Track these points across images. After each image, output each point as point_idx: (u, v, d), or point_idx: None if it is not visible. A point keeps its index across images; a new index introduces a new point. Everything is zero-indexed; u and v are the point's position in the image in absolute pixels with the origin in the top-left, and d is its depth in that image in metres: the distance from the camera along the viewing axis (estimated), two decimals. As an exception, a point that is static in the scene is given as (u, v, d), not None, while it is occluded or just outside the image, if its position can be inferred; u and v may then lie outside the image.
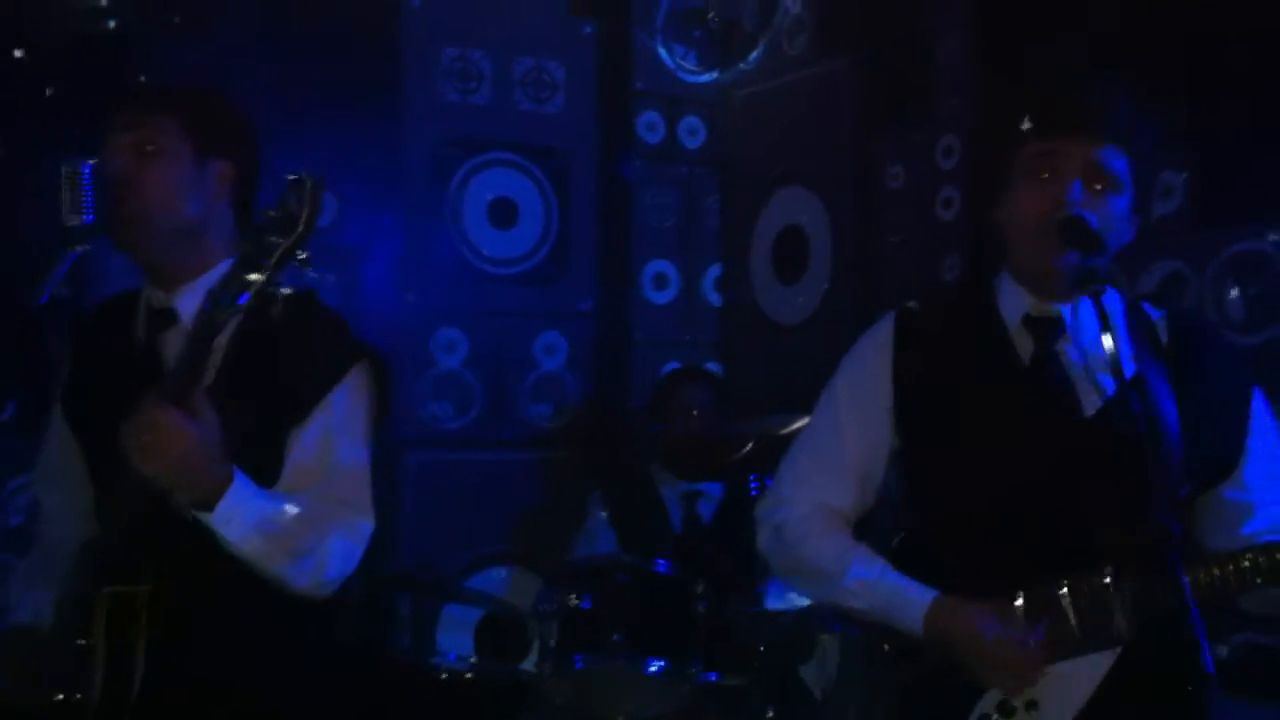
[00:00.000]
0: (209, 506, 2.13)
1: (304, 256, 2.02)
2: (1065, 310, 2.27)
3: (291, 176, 2.03)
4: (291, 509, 2.22)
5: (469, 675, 3.73)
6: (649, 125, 5.02)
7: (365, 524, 2.32)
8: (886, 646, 2.30)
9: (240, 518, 2.15)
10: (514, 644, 4.07)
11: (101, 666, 2.16)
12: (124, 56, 3.96)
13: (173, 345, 2.32)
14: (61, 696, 2.20)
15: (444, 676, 3.68)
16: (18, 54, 3.89)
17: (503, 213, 4.76)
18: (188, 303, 2.33)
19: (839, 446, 2.38)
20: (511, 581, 4.57)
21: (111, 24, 3.97)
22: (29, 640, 2.33)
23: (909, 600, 2.25)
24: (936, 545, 2.30)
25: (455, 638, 4.19)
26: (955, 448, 2.28)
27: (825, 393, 2.44)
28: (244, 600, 2.25)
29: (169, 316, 2.35)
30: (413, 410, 4.55)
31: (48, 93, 3.88)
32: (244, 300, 2.03)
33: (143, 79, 3.69)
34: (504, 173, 4.76)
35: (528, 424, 4.73)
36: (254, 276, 2.03)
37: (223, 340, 2.16)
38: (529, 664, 3.86)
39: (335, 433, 2.30)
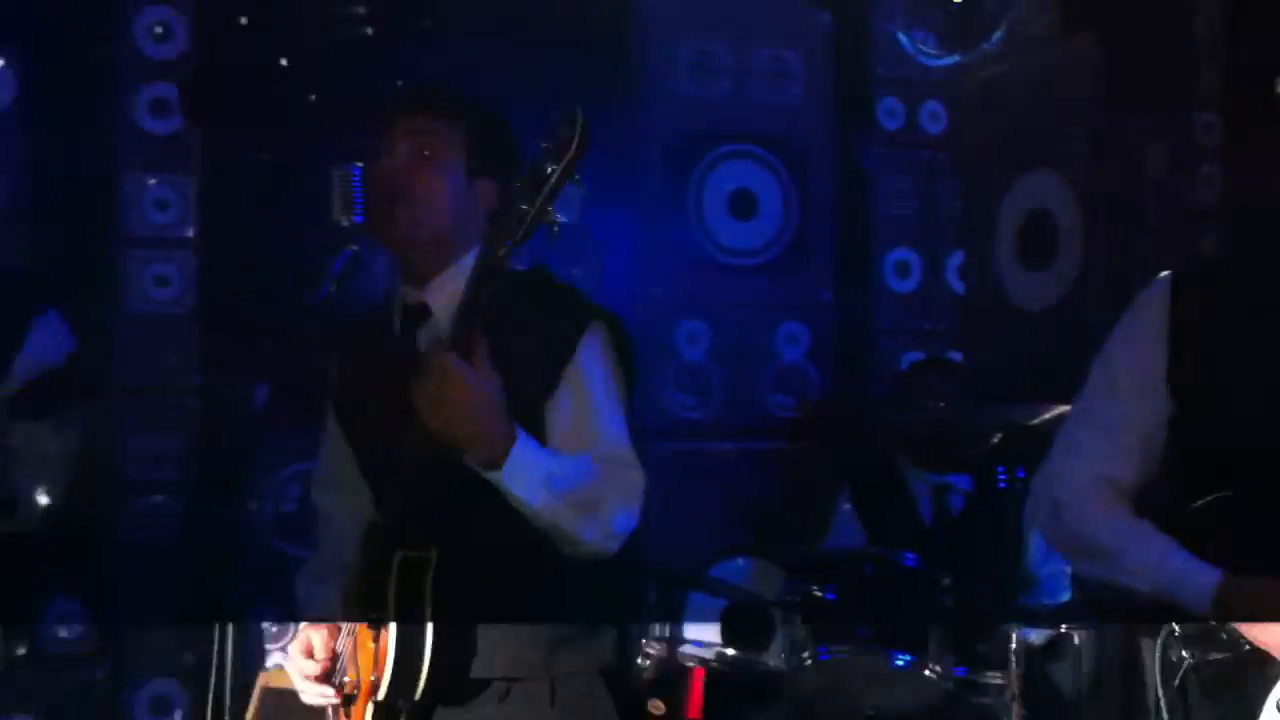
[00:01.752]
0: (497, 464, 2.16)
1: (579, 179, 2.06)
2: None
3: (559, 113, 2.08)
4: (572, 463, 2.25)
5: (714, 665, 3.74)
6: (889, 111, 4.95)
7: (638, 479, 2.33)
8: (1177, 630, 2.21)
9: (528, 473, 2.18)
10: (758, 635, 4.07)
11: (394, 639, 2.21)
12: (379, 61, 4.11)
13: (427, 339, 2.37)
14: (352, 678, 2.30)
15: (689, 666, 3.70)
16: (283, 62, 4.10)
17: (742, 204, 4.76)
18: (438, 296, 2.38)
19: (1115, 416, 2.28)
20: (753, 572, 4.57)
21: (368, 30, 4.13)
22: (319, 630, 2.42)
23: (1195, 580, 2.15)
24: (1210, 519, 2.20)
25: (699, 627, 4.21)
26: (1233, 416, 2.18)
27: (1097, 361, 2.34)
28: (525, 567, 2.28)
29: (422, 310, 2.41)
30: (655, 401, 4.59)
31: (310, 99, 4.07)
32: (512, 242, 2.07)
33: (399, 84, 3.83)
34: (743, 164, 4.77)
35: (769, 414, 4.73)
36: (526, 206, 2.07)
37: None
38: (773, 655, 3.86)
39: (588, 394, 2.32)
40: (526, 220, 2.07)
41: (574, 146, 2.06)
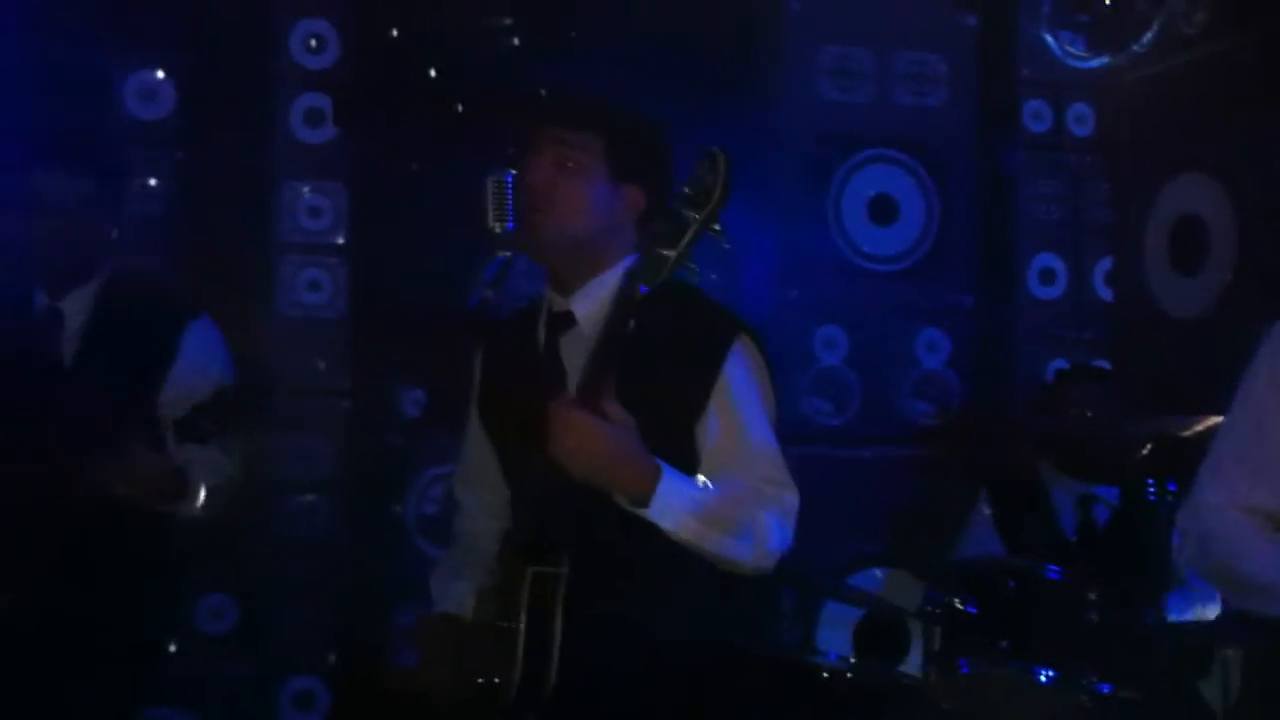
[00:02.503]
0: (644, 502, 2.19)
1: (718, 229, 2.06)
2: None
3: (703, 151, 2.08)
4: (721, 491, 2.26)
5: (849, 675, 3.72)
6: (1035, 114, 4.87)
7: (791, 498, 2.34)
8: None
9: (675, 508, 2.20)
10: (894, 645, 4.04)
11: (523, 647, 2.25)
12: (525, 71, 4.17)
13: (571, 347, 2.40)
14: (482, 681, 2.31)
15: (825, 675, 3.69)
16: (432, 73, 4.18)
17: (883, 209, 4.73)
18: (584, 305, 2.41)
19: (1263, 442, 2.23)
20: (889, 581, 4.54)
21: (515, 41, 4.19)
22: (454, 629, 2.46)
23: None
24: None
25: (835, 636, 4.20)
26: None
27: (1243, 384, 2.28)
28: (659, 585, 2.30)
29: (567, 319, 2.43)
30: (793, 407, 4.58)
31: (458, 108, 4.14)
32: (644, 289, 2.08)
33: (542, 92, 3.88)
34: (884, 169, 4.73)
35: (908, 422, 4.68)
36: (668, 252, 2.07)
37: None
38: (909, 666, 3.83)
39: (736, 411, 2.33)
40: (666, 266, 2.08)
41: (716, 196, 2.06)
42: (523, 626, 2.25)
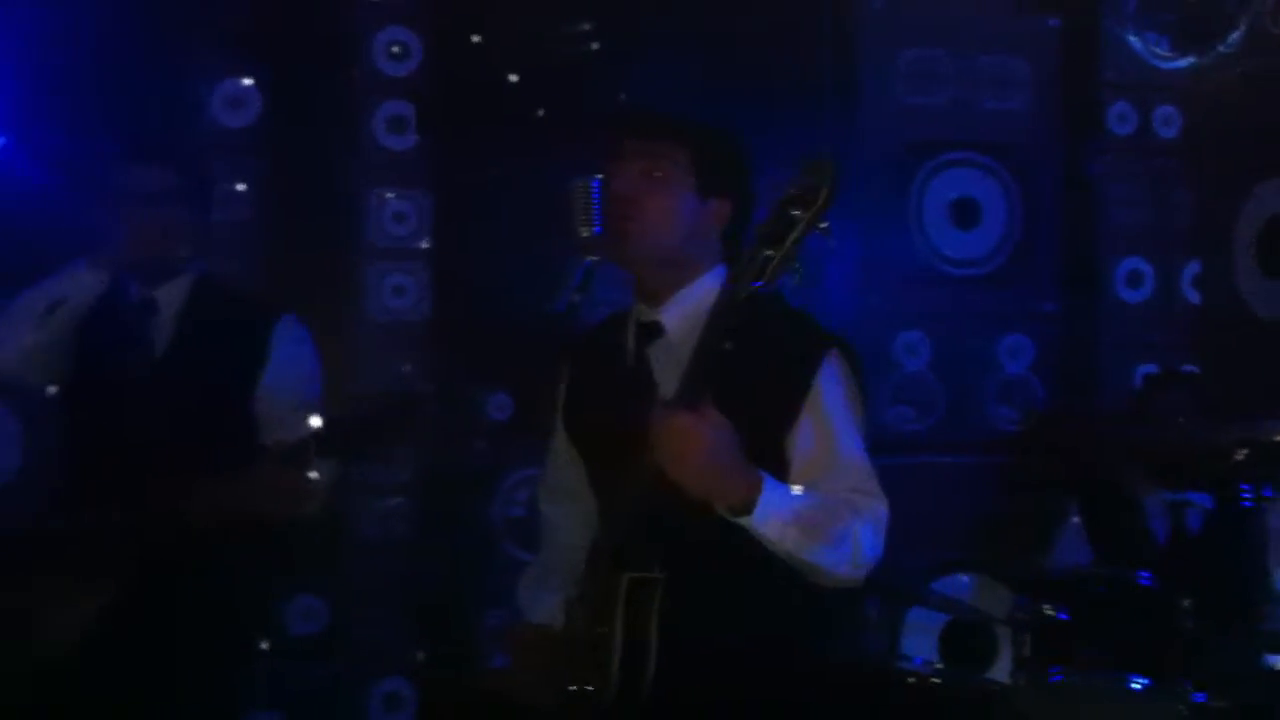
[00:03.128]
0: (747, 510, 2.18)
1: (825, 225, 2.05)
2: None
3: (809, 155, 2.08)
4: (818, 500, 2.25)
5: (935, 681, 3.69)
6: (1120, 116, 4.81)
7: (882, 509, 2.33)
8: None
9: (777, 516, 2.19)
10: (981, 652, 4.00)
11: (619, 653, 2.25)
12: (606, 76, 4.19)
13: (661, 356, 2.40)
14: (576, 688, 2.32)
15: (911, 681, 3.66)
16: (512, 79, 4.20)
17: (965, 213, 4.69)
18: (673, 314, 2.41)
19: None
20: (974, 588, 4.49)
21: (595, 45, 4.21)
22: (542, 639, 2.47)
23: None
24: None
25: (920, 642, 4.16)
26: None
27: None
28: (750, 592, 2.30)
29: (655, 329, 2.43)
30: (874, 413, 4.54)
31: (539, 114, 4.16)
32: (757, 285, 2.07)
33: (622, 96, 3.89)
34: (966, 173, 4.70)
35: (992, 428, 4.64)
36: (771, 252, 2.06)
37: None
38: (997, 673, 3.78)
39: (828, 422, 2.32)
40: (770, 266, 2.06)
41: (823, 197, 2.05)
42: (619, 633, 2.25)
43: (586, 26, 4.27)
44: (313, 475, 2.84)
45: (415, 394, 3.03)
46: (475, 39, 4.30)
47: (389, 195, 4.25)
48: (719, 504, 2.19)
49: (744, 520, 2.18)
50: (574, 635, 2.38)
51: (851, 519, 2.26)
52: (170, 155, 3.10)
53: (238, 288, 3.33)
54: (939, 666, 3.89)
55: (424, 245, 4.27)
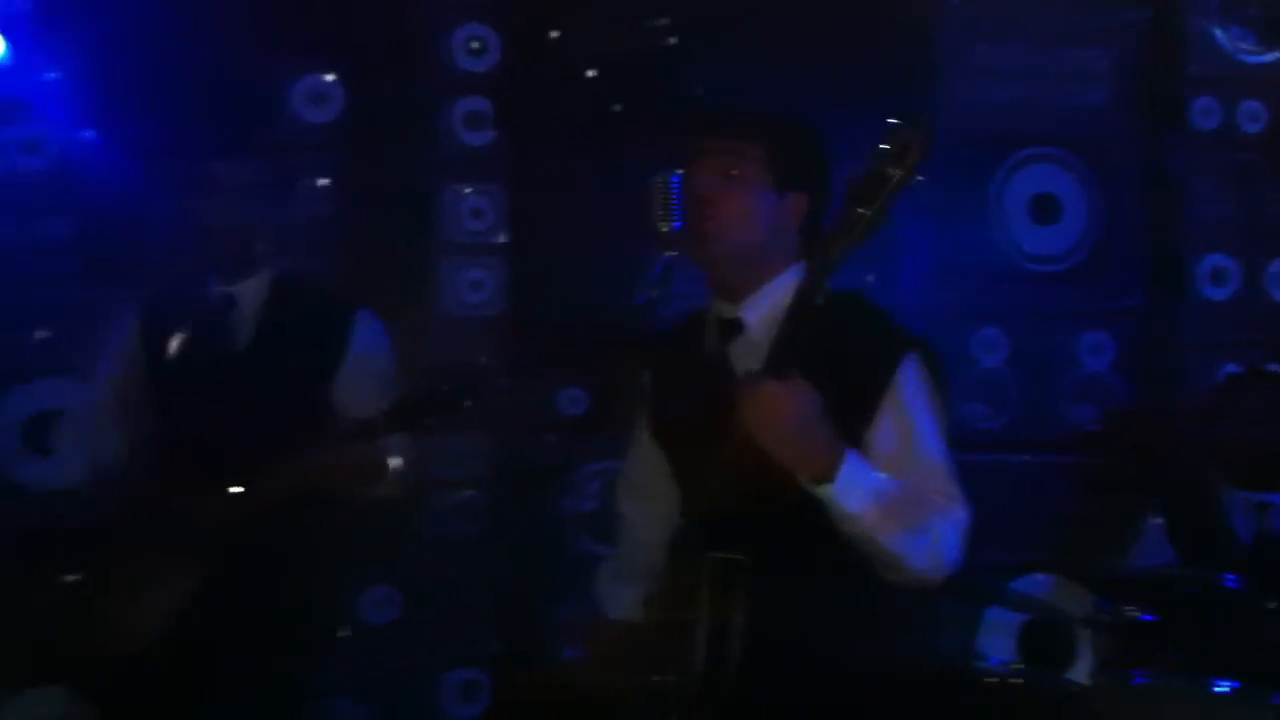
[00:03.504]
0: (829, 478, 2.17)
1: (920, 178, 2.04)
2: None
3: (901, 114, 2.06)
4: (901, 485, 2.24)
5: (1013, 681, 3.65)
6: (1204, 111, 4.73)
7: (963, 513, 2.31)
8: None
9: (859, 488, 2.18)
10: (1059, 652, 3.96)
11: (704, 638, 2.24)
12: (684, 71, 4.19)
13: (742, 353, 2.41)
14: (657, 679, 2.32)
15: (988, 681, 3.62)
16: (590, 74, 4.22)
17: (1045, 208, 4.64)
18: (754, 311, 2.42)
19: None
20: (1052, 588, 4.45)
21: (672, 40, 4.21)
22: (621, 631, 2.50)
23: None
24: None
25: (997, 642, 4.13)
26: None
27: None
28: (832, 583, 2.30)
29: (736, 326, 2.44)
30: (950, 410, 4.50)
31: (616, 109, 4.17)
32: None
33: (699, 91, 3.89)
34: (1046, 168, 4.65)
35: (1070, 426, 4.59)
36: (863, 210, 2.04)
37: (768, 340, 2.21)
38: (1076, 674, 3.74)
39: (908, 423, 2.31)
40: (863, 223, 2.06)
41: (918, 147, 2.04)
42: (704, 617, 2.25)
43: (664, 21, 4.27)
44: (388, 454, 2.88)
45: (479, 367, 3.04)
46: (553, 34, 4.32)
47: (466, 190, 4.28)
48: (803, 473, 2.18)
49: (826, 490, 2.17)
50: (654, 626, 2.39)
51: (933, 514, 2.26)
52: (250, 150, 3.15)
53: (315, 283, 3.36)
54: (1016, 667, 3.86)
55: (500, 240, 4.30)
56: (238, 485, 2.87)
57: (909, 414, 2.32)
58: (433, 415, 2.79)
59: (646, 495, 2.63)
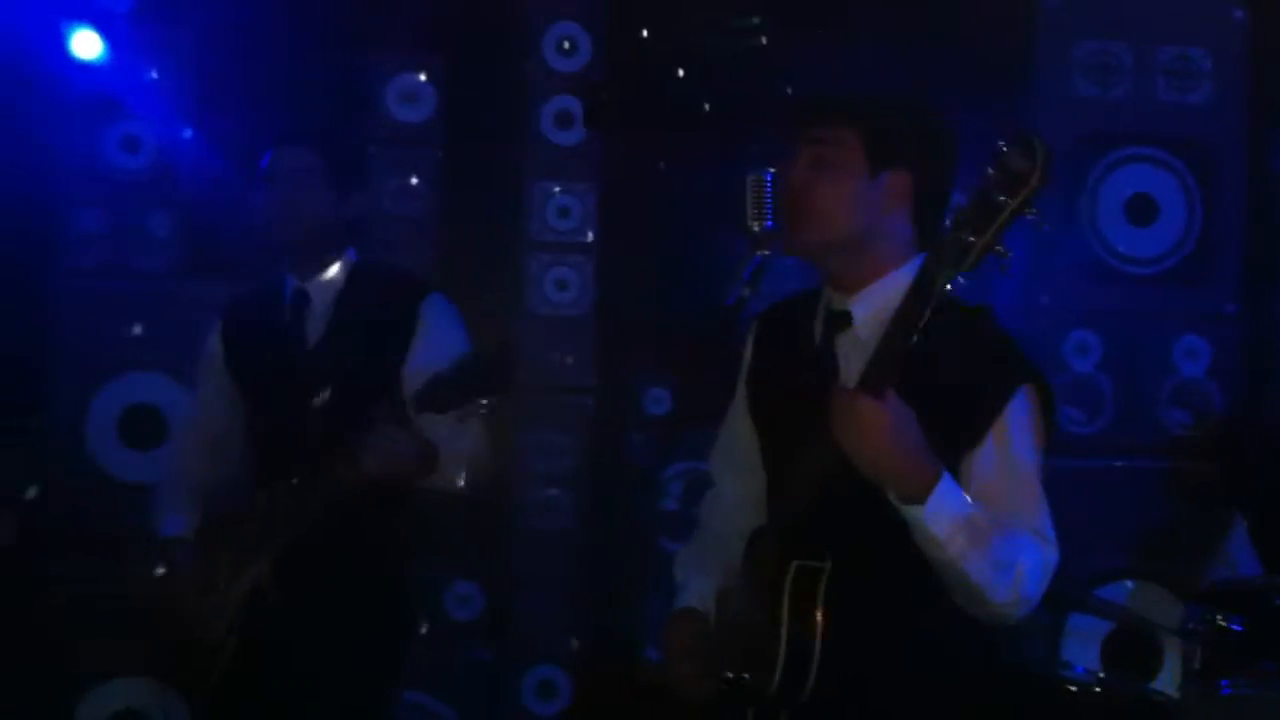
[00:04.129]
0: (920, 499, 2.12)
1: (1035, 212, 1.96)
2: None
3: (1014, 135, 1.98)
4: (993, 516, 2.17)
5: (1098, 690, 3.60)
6: (1309, 111, 4.62)
7: (1053, 555, 2.23)
8: None
9: (949, 512, 2.12)
10: (1145, 661, 3.90)
11: (784, 642, 2.22)
12: (773, 69, 4.18)
13: (847, 347, 2.34)
14: (732, 675, 2.30)
15: (1072, 690, 3.58)
16: (680, 73, 4.22)
17: (1141, 209, 4.54)
18: (864, 307, 2.32)
19: None
20: (1140, 595, 4.37)
21: (762, 39, 4.20)
22: (697, 624, 2.45)
23: None
24: None
25: (1081, 650, 4.07)
26: None
27: None
28: (914, 591, 2.25)
29: (845, 319, 2.36)
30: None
31: (705, 107, 4.17)
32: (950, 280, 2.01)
33: (789, 90, 3.87)
34: (1143, 168, 4.55)
35: (1164, 432, 4.49)
36: (973, 238, 1.98)
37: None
38: (1163, 684, 3.68)
39: (1011, 454, 2.23)
40: (972, 252, 1.99)
41: (1034, 178, 1.96)
42: (785, 621, 2.22)
43: (755, 20, 4.26)
44: (444, 442, 2.86)
45: (505, 344, 3.01)
46: (644, 33, 4.33)
47: (555, 189, 4.30)
48: (893, 490, 2.13)
49: (915, 510, 2.12)
50: (731, 623, 2.37)
51: (1021, 550, 2.18)
52: (319, 147, 3.15)
53: (389, 269, 3.36)
54: (1101, 675, 3.81)
55: (588, 239, 4.32)
56: (295, 478, 2.90)
57: (1013, 447, 2.23)
58: (463, 397, 2.75)
59: (737, 467, 2.57)
